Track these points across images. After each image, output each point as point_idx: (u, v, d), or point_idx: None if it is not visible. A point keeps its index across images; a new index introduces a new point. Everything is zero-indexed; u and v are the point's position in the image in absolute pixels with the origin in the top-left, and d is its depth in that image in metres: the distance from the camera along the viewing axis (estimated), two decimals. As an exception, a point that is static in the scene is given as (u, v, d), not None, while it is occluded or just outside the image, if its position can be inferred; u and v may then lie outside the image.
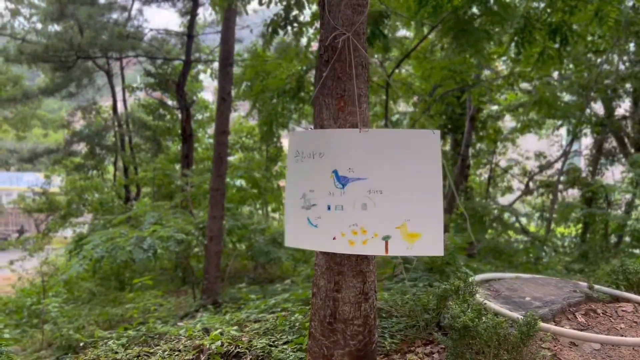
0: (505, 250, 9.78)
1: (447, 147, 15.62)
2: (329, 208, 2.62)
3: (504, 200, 16.68)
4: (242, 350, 3.46)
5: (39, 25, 17.98)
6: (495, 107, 14.55)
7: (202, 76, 20.57)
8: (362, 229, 2.57)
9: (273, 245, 10.18)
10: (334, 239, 2.62)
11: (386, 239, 2.54)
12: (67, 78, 18.07)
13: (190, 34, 16.19)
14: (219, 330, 3.79)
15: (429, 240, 2.51)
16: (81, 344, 4.21)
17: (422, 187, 2.51)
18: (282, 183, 17.93)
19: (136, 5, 17.39)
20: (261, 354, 3.41)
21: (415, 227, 2.51)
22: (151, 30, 18.03)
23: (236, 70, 13.42)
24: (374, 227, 2.55)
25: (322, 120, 2.77)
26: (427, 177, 2.51)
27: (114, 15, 17.00)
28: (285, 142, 18.15)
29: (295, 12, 5.97)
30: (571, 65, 10.90)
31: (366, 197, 2.56)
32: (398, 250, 2.55)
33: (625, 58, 11.46)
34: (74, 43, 14.90)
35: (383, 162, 2.56)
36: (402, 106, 15.21)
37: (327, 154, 2.64)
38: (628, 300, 4.04)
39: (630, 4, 8.31)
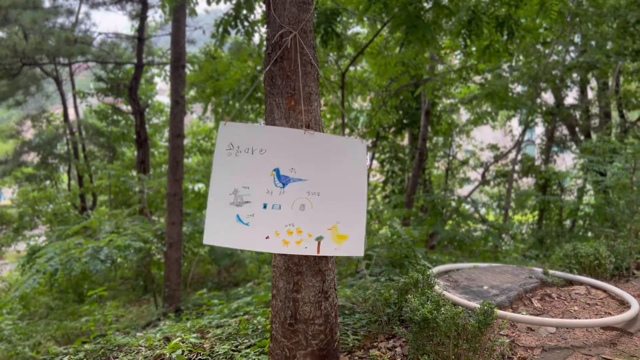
0: (464, 241, 9.95)
1: (405, 142, 15.82)
2: (265, 207, 2.60)
3: (463, 191, 17.00)
4: (204, 357, 3.40)
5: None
6: (450, 101, 14.80)
7: (156, 79, 20.19)
8: (298, 229, 2.61)
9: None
10: (267, 238, 2.58)
11: (319, 239, 2.62)
12: (14, 86, 17.35)
13: (140, 36, 15.84)
14: (179, 338, 3.70)
15: (354, 242, 2.66)
16: (35, 362, 4.04)
17: (352, 191, 2.67)
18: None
19: (83, 8, 16.92)
20: (224, 359, 3.35)
21: (344, 229, 2.65)
22: (100, 34, 17.54)
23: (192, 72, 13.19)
24: (310, 227, 2.62)
25: (274, 119, 2.73)
26: (356, 183, 2.68)
27: (60, 20, 16.48)
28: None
29: (245, 11, 5.89)
30: (521, 57, 11.17)
31: (304, 198, 2.62)
32: (328, 250, 2.64)
33: (572, 48, 11.83)
34: (19, 49, 14.33)
35: (323, 166, 2.65)
36: (359, 102, 15.29)
37: (269, 151, 2.62)
38: (581, 283, 4.17)
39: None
